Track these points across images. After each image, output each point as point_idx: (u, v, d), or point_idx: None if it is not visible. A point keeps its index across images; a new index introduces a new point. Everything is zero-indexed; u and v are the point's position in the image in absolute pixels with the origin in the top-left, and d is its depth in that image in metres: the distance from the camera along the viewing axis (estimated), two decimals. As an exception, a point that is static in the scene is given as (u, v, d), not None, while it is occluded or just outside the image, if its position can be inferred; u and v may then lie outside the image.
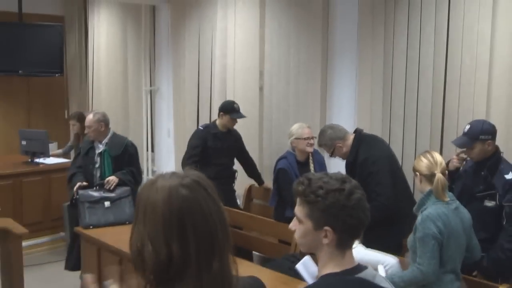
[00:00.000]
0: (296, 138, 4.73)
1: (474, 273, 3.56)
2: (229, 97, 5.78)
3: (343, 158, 4.24)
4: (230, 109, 5.27)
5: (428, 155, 3.23)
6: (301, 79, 5.50)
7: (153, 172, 7.48)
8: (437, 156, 3.24)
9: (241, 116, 5.27)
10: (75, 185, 5.07)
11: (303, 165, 4.72)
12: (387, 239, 3.77)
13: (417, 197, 4.21)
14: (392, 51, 4.79)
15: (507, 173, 3.52)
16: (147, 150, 7.49)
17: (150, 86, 7.50)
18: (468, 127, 3.68)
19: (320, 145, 4.41)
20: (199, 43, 6.59)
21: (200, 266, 1.39)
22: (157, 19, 7.39)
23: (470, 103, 4.34)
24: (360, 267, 1.74)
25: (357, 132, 4.25)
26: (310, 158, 4.77)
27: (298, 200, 1.77)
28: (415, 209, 3.26)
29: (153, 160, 7.60)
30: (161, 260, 1.37)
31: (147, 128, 7.50)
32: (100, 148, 5.17)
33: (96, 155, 5.17)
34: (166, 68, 7.24)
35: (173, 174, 1.47)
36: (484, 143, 3.60)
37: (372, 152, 4.07)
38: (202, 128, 5.42)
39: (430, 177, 3.18)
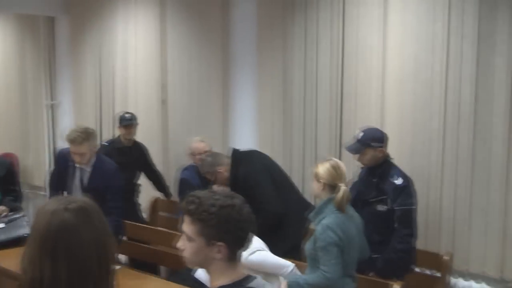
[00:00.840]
0: (190, 153, 4.84)
1: (371, 274, 3.73)
2: (131, 111, 5.70)
3: (226, 184, 4.27)
4: (120, 119, 5.29)
5: (335, 165, 3.27)
6: (203, 92, 5.53)
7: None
8: (343, 166, 3.30)
9: (128, 123, 5.24)
10: None
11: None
12: (283, 243, 3.89)
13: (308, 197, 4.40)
14: (290, 63, 4.91)
15: (397, 179, 3.71)
16: (50, 167, 7.24)
17: (51, 100, 7.26)
18: (361, 134, 3.84)
19: (203, 173, 4.47)
20: (100, 56, 6.47)
21: None
22: (56, 30, 7.17)
23: (365, 112, 4.53)
24: (250, 278, 1.80)
25: (233, 152, 4.36)
26: None
27: (187, 218, 1.79)
28: (311, 216, 3.32)
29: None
30: (33, 279, 1.41)
31: (49, 144, 7.25)
32: None
33: None
34: (67, 82, 7.04)
35: (64, 198, 1.52)
36: (375, 150, 3.77)
37: (250, 166, 4.22)
38: (107, 144, 5.36)
39: (333, 187, 3.23)
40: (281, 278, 3.39)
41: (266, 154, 4.54)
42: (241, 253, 1.81)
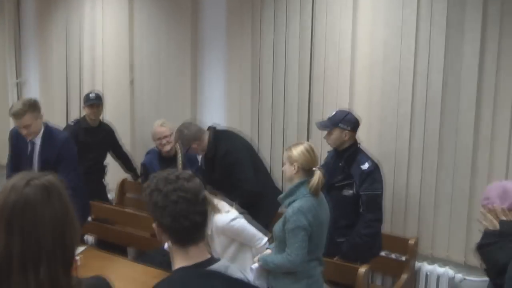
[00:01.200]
0: (152, 138, 4.80)
1: (336, 258, 3.75)
2: (99, 90, 5.60)
3: (202, 153, 4.38)
4: (85, 98, 5.20)
5: (309, 149, 3.22)
6: (171, 73, 5.47)
7: (21, 168, 7.11)
8: (316, 150, 3.27)
9: (93, 103, 5.12)
10: None
11: (167, 161, 4.68)
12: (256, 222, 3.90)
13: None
14: (259, 46, 4.88)
15: (363, 164, 3.72)
16: (15, 146, 7.09)
17: (17, 78, 7.09)
18: (333, 113, 3.86)
19: (177, 141, 4.48)
20: (67, 34, 6.33)
21: (25, 269, 1.39)
22: (22, 7, 6.98)
23: (334, 96, 4.54)
24: (212, 260, 1.78)
25: (212, 129, 4.37)
26: (179, 154, 4.75)
27: None
28: (281, 198, 3.29)
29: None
30: None
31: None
32: None
33: None
34: (34, 59, 6.88)
35: (29, 173, 1.48)
36: (343, 131, 3.78)
37: (231, 145, 4.26)
38: (72, 124, 5.27)
39: (307, 170, 3.20)
40: (254, 252, 3.46)
41: (242, 136, 4.56)
42: (189, 239, 1.76)
